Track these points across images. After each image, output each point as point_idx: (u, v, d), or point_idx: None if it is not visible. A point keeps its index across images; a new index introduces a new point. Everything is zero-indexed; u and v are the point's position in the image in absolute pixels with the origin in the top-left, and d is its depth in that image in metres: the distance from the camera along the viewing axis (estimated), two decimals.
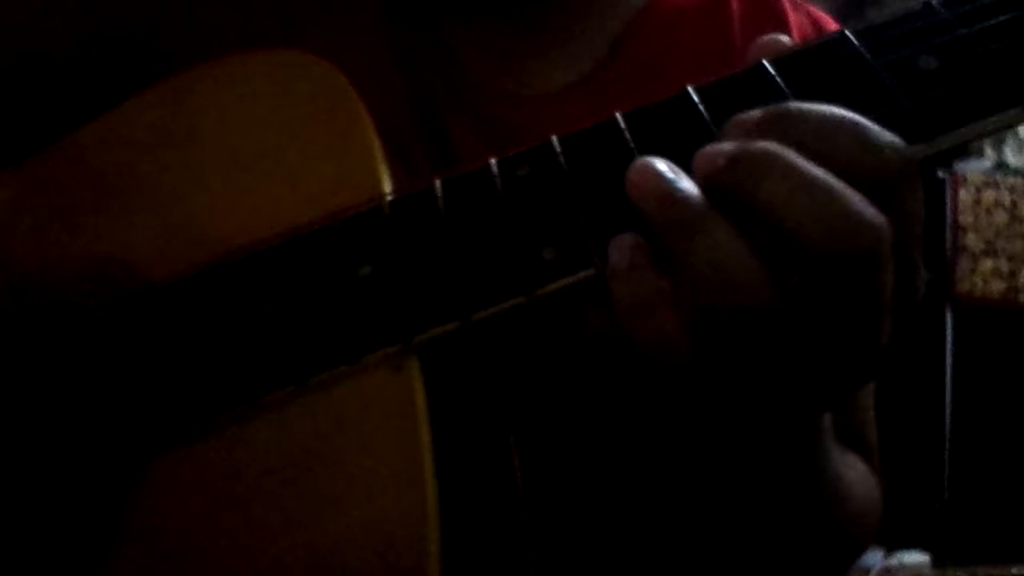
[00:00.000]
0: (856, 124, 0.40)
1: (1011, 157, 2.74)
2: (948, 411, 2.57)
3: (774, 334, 0.40)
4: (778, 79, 0.43)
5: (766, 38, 0.45)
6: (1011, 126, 0.41)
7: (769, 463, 0.52)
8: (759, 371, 0.41)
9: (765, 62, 0.44)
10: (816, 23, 0.70)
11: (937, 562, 2.42)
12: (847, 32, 0.44)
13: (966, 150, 2.61)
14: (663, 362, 0.41)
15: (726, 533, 0.59)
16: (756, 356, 0.40)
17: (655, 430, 0.57)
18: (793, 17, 0.69)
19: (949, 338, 2.60)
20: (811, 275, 0.39)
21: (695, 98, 0.43)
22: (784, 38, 0.45)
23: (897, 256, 0.40)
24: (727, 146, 0.41)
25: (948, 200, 2.65)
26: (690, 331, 0.40)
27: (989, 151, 2.70)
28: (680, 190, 0.40)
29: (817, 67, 0.43)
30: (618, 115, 0.44)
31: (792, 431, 0.50)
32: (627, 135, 0.43)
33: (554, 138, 0.45)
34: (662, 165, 0.41)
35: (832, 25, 0.71)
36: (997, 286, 2.66)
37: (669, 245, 0.40)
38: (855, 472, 0.64)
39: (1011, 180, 2.71)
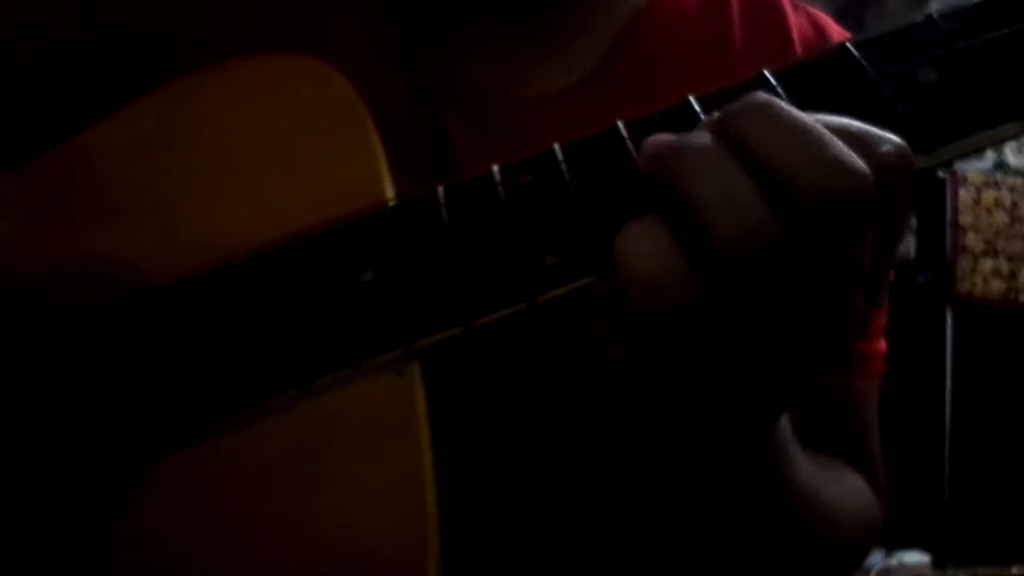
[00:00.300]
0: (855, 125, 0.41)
1: (1011, 157, 2.74)
2: (948, 411, 2.57)
3: (775, 276, 0.40)
4: (779, 89, 0.43)
5: None
6: (1009, 139, 0.41)
7: (732, 467, 0.52)
8: (757, 318, 0.41)
9: (767, 72, 0.44)
10: (816, 24, 0.70)
11: (937, 562, 2.43)
12: (848, 44, 0.44)
13: None
14: (668, 304, 0.40)
15: (705, 539, 0.59)
16: (758, 298, 0.41)
17: (643, 439, 0.57)
18: (793, 18, 0.69)
19: (949, 338, 2.60)
20: (799, 220, 0.40)
21: (696, 107, 0.44)
22: None
23: (879, 234, 0.41)
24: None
25: (948, 200, 2.65)
26: (698, 275, 0.40)
27: (989, 151, 2.70)
28: (690, 140, 0.41)
29: (818, 78, 0.43)
30: (620, 123, 0.44)
31: (756, 424, 0.50)
32: (629, 144, 0.44)
33: (556, 146, 0.45)
34: (669, 135, 0.42)
35: (832, 26, 0.71)
36: (997, 286, 2.66)
37: (682, 191, 0.40)
38: (848, 486, 0.64)
39: (1011, 180, 2.71)
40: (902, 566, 2.36)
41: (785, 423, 0.53)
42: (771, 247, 0.39)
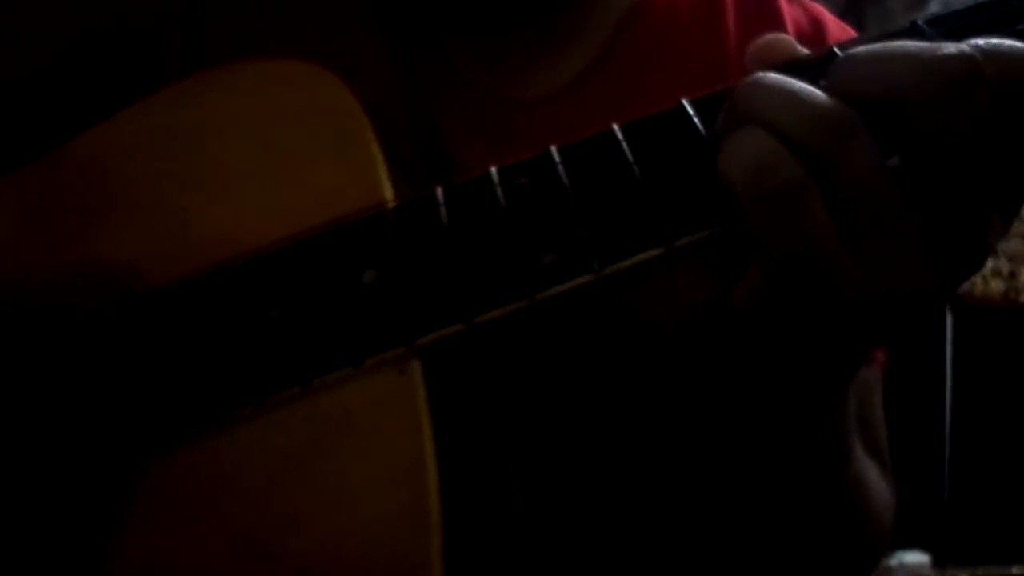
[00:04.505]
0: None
1: None
2: (948, 411, 2.57)
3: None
4: None
5: (766, 38, 0.46)
6: None
7: (800, 437, 0.52)
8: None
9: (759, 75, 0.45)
10: (811, 16, 0.70)
11: (937, 562, 2.42)
12: (835, 48, 0.45)
13: None
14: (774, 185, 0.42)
15: (749, 522, 0.58)
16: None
17: (672, 418, 0.57)
18: (788, 11, 0.68)
19: (949, 338, 2.59)
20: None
21: (690, 110, 0.45)
22: (783, 36, 0.46)
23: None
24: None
25: None
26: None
27: None
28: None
29: (809, 81, 0.44)
30: (615, 126, 0.45)
31: (847, 370, 0.50)
32: (624, 146, 0.45)
33: (553, 148, 0.46)
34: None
35: (828, 18, 0.70)
36: (997, 286, 2.65)
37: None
38: (874, 472, 0.63)
39: None
40: (902, 566, 2.35)
41: (851, 393, 0.53)
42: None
